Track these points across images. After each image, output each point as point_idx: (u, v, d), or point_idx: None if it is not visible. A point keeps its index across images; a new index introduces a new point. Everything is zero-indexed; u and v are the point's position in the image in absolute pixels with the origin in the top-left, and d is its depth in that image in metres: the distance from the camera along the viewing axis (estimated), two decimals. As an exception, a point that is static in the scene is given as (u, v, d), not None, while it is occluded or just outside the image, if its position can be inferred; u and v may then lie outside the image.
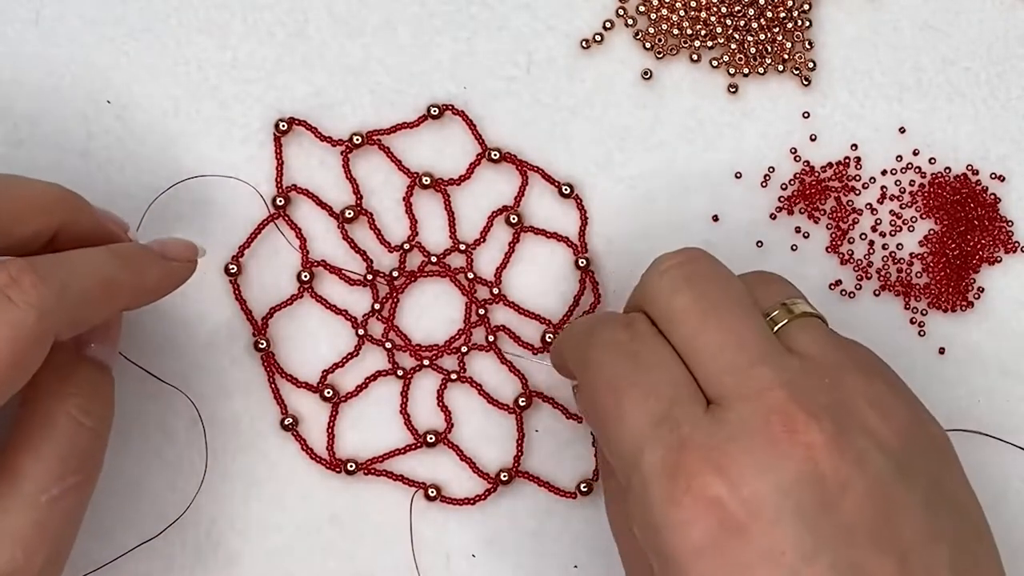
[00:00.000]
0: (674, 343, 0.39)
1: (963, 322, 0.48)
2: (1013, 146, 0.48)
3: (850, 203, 0.48)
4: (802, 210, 0.48)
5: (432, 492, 0.47)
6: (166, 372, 0.47)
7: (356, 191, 0.48)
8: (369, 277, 0.47)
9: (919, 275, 0.48)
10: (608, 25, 0.48)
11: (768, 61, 0.48)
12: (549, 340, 0.47)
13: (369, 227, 0.48)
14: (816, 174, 0.48)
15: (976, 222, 0.48)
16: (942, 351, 0.48)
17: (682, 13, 0.48)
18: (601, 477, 0.46)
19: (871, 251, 0.48)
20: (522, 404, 0.47)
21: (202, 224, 0.47)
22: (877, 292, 0.48)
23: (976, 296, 0.48)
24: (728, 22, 0.48)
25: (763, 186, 0.48)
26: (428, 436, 0.47)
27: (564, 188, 0.48)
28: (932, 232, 0.48)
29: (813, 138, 0.48)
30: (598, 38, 0.48)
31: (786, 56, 0.48)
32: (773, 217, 0.48)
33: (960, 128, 0.49)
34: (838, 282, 0.48)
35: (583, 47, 0.48)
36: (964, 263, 0.48)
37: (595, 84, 0.48)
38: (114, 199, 0.46)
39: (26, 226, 0.39)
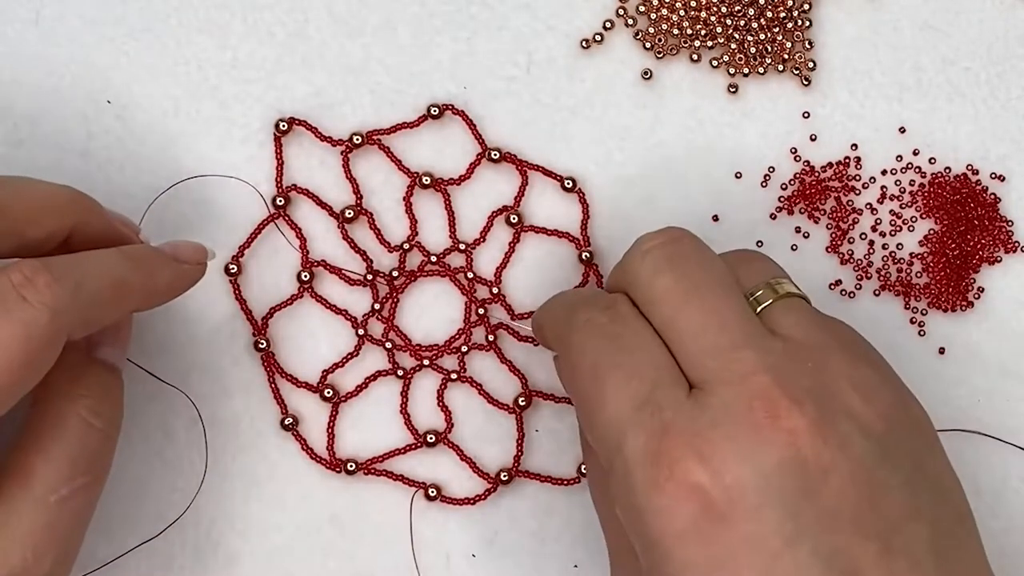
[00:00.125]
0: (655, 324, 0.39)
1: (963, 322, 0.48)
2: (1013, 146, 0.48)
3: (850, 203, 0.48)
4: (802, 210, 0.48)
5: (432, 492, 0.47)
6: (166, 372, 0.47)
7: (356, 191, 0.48)
8: (369, 277, 0.47)
9: (919, 275, 0.48)
10: (608, 25, 0.48)
11: (768, 61, 0.48)
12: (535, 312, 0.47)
13: (369, 227, 0.48)
14: (816, 174, 0.48)
15: (976, 222, 0.48)
16: (942, 351, 0.48)
17: (682, 13, 0.48)
18: (584, 457, 0.46)
19: (871, 251, 0.48)
20: (522, 404, 0.47)
21: (202, 224, 0.47)
22: (877, 292, 0.48)
23: (976, 296, 0.48)
24: (728, 22, 0.48)
25: (763, 186, 0.48)
26: (428, 436, 0.47)
27: (567, 182, 0.48)
28: (932, 232, 0.48)
29: (813, 138, 0.48)
30: (598, 38, 0.48)
31: (786, 56, 0.48)
32: (773, 217, 0.48)
33: (960, 128, 0.49)
34: (838, 282, 0.48)
35: (583, 47, 0.48)
36: (964, 263, 0.48)
37: (595, 84, 0.48)
38: (114, 199, 0.46)
39: (39, 228, 0.39)
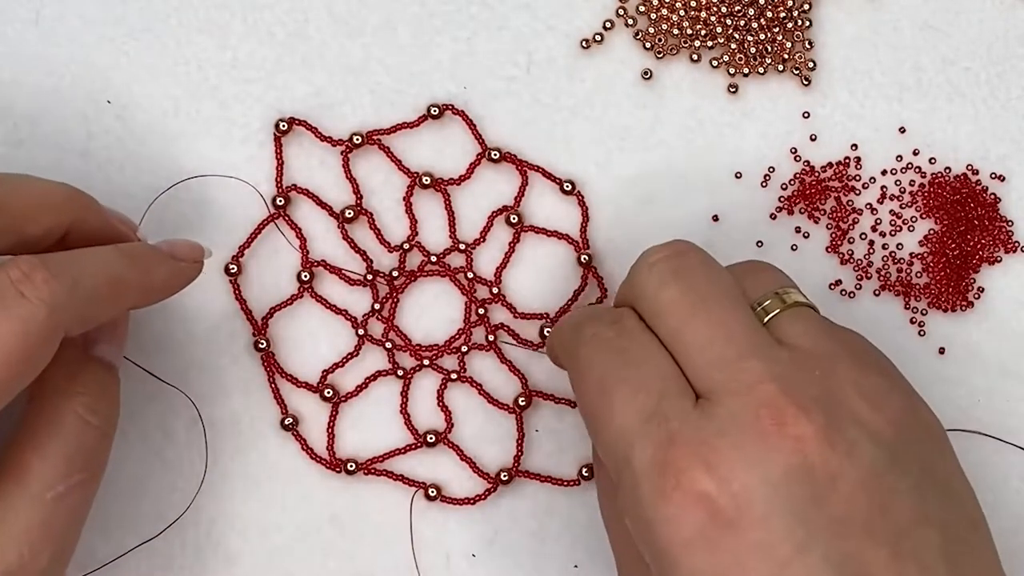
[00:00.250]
0: (662, 337, 0.39)
1: (963, 322, 0.48)
2: (1013, 146, 0.48)
3: (850, 203, 0.48)
4: (802, 210, 0.48)
5: (432, 492, 0.47)
6: (166, 372, 0.47)
7: (356, 191, 0.48)
8: (369, 277, 0.47)
9: (919, 275, 0.48)
10: (608, 25, 0.48)
11: (768, 61, 0.48)
12: (547, 334, 0.47)
13: (369, 227, 0.48)
14: (816, 174, 0.48)
15: (976, 222, 0.48)
16: (942, 351, 0.48)
17: (682, 13, 0.48)
18: (595, 471, 0.46)
19: (871, 251, 0.48)
20: (522, 404, 0.47)
21: (202, 224, 0.47)
22: (877, 292, 0.48)
23: (976, 296, 0.48)
24: (728, 22, 0.48)
25: (763, 186, 0.48)
26: (428, 436, 0.47)
27: (565, 185, 0.48)
28: (932, 232, 0.48)
29: (813, 138, 0.48)
30: (598, 38, 0.48)
31: (786, 56, 0.48)
32: (773, 217, 0.48)
33: (960, 128, 0.49)
34: (838, 282, 0.48)
35: (583, 47, 0.48)
36: (964, 263, 0.48)
37: (595, 84, 0.48)
38: (114, 199, 0.46)
39: (37, 224, 0.40)
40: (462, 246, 0.48)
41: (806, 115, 0.48)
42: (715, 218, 0.48)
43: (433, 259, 0.48)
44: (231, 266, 0.47)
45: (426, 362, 0.47)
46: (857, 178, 0.48)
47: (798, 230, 0.48)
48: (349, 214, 0.47)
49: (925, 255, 0.48)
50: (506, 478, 0.47)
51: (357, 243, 0.47)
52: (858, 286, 0.48)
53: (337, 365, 0.47)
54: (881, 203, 0.48)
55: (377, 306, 0.47)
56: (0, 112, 0.47)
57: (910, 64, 0.49)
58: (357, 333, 0.47)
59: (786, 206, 0.48)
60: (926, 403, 0.39)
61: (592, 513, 0.47)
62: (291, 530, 0.47)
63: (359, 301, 0.48)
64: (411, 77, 0.48)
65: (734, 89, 0.48)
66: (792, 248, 0.48)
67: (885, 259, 0.48)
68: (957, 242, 0.48)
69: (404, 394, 0.47)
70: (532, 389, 0.47)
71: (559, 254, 0.48)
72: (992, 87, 0.49)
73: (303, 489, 0.47)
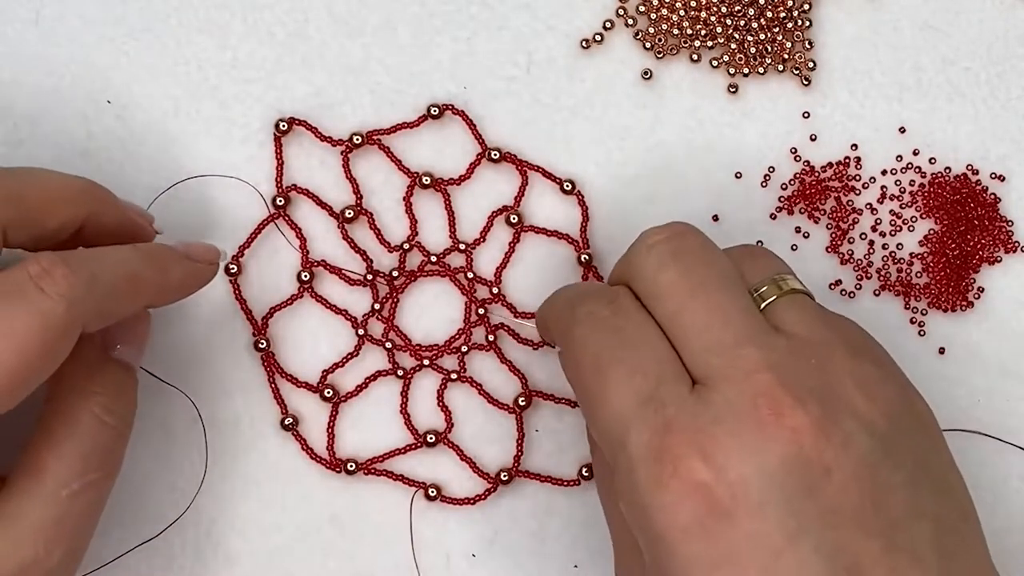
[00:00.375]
0: (658, 319, 0.39)
1: (963, 322, 0.48)
2: (1013, 146, 0.48)
3: (850, 203, 0.48)
4: (802, 210, 0.48)
5: (432, 492, 0.47)
6: (166, 372, 0.47)
7: (356, 191, 0.48)
8: (369, 277, 0.47)
9: (919, 275, 0.48)
10: (608, 25, 0.48)
11: (768, 61, 0.48)
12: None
13: (369, 227, 0.48)
14: (816, 174, 0.48)
15: (976, 222, 0.48)
16: (942, 351, 0.48)
17: (682, 13, 0.48)
18: (591, 453, 0.46)
19: (871, 251, 0.48)
20: (522, 404, 0.47)
21: (202, 224, 0.47)
22: (877, 292, 0.48)
23: (976, 296, 0.48)
24: (728, 22, 0.48)
25: (763, 186, 0.48)
26: (428, 436, 0.47)
27: (565, 184, 0.48)
28: (932, 232, 0.48)
29: (813, 138, 0.48)
30: (598, 38, 0.48)
31: (786, 56, 0.48)
32: (773, 217, 0.48)
33: (960, 128, 0.49)
34: (838, 282, 0.48)
35: (583, 47, 0.48)
36: (964, 263, 0.48)
37: (595, 84, 0.48)
38: (114, 199, 0.46)
39: (53, 217, 0.40)
40: (462, 246, 0.48)
41: (806, 115, 0.48)
42: (715, 218, 0.48)
43: (433, 259, 0.48)
44: (231, 266, 0.47)
45: (426, 362, 0.47)
46: (857, 178, 0.48)
47: (798, 230, 0.48)
48: (349, 214, 0.47)
49: (925, 255, 0.48)
50: (506, 478, 0.47)
51: (357, 243, 0.47)
52: (858, 286, 0.48)
53: (337, 365, 0.47)
54: (881, 203, 0.48)
55: (377, 306, 0.47)
56: (0, 112, 0.47)
57: (910, 64, 0.49)
58: (357, 333, 0.47)
59: (786, 206, 0.48)
60: (919, 392, 0.39)
61: (592, 513, 0.47)
62: (291, 530, 0.47)
63: (359, 301, 0.48)
64: (411, 77, 0.48)
65: (734, 89, 0.48)
66: (792, 248, 0.48)
67: (885, 259, 0.48)
68: (957, 242, 0.48)
69: (404, 394, 0.47)
70: (532, 389, 0.47)
71: (559, 254, 0.48)
72: (992, 87, 0.49)
73: (303, 489, 0.47)
